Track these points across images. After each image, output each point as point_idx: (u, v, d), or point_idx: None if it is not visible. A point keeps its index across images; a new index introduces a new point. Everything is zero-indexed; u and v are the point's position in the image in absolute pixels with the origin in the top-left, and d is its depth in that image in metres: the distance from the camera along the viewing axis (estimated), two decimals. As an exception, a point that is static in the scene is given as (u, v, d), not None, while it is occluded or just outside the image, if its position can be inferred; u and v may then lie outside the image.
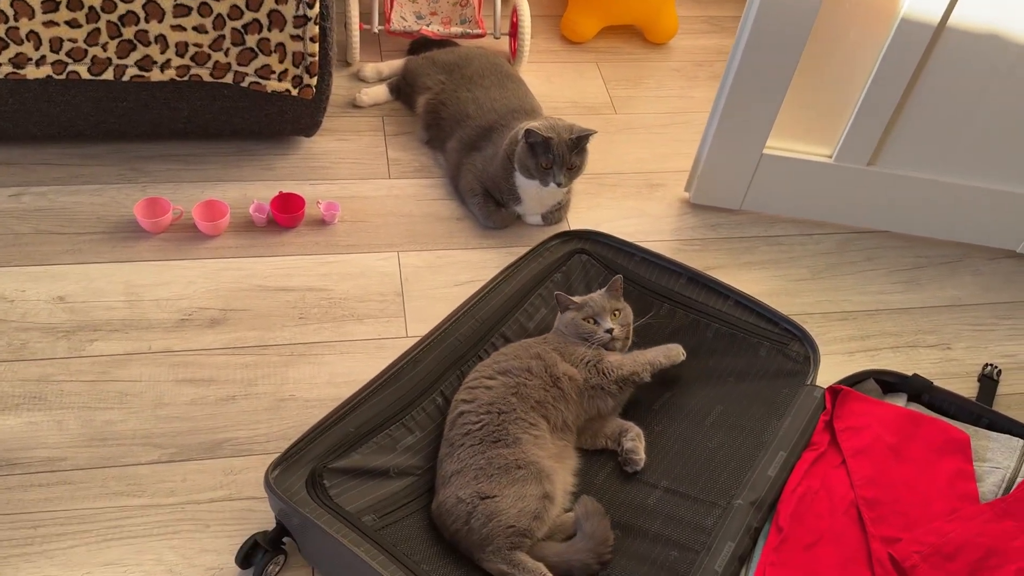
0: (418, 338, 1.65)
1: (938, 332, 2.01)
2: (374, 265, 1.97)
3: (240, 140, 2.19)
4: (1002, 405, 1.86)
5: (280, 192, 2.03)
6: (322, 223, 2.04)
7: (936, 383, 1.66)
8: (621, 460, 1.59)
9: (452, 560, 1.44)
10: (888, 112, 1.98)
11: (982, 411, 1.63)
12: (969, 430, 1.61)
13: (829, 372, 1.84)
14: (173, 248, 1.94)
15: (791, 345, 1.74)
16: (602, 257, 1.91)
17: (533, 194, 2.05)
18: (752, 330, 1.77)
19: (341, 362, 1.78)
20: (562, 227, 2.14)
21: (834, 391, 1.62)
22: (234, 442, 1.63)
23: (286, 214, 2.00)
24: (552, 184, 1.97)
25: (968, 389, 1.89)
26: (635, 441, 1.59)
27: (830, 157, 2.11)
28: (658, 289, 1.86)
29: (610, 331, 1.66)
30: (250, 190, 2.09)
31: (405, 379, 1.60)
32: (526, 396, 1.57)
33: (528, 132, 1.94)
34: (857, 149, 2.06)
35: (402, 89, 2.35)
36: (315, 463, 1.46)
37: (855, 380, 1.68)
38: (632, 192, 2.25)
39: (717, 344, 1.79)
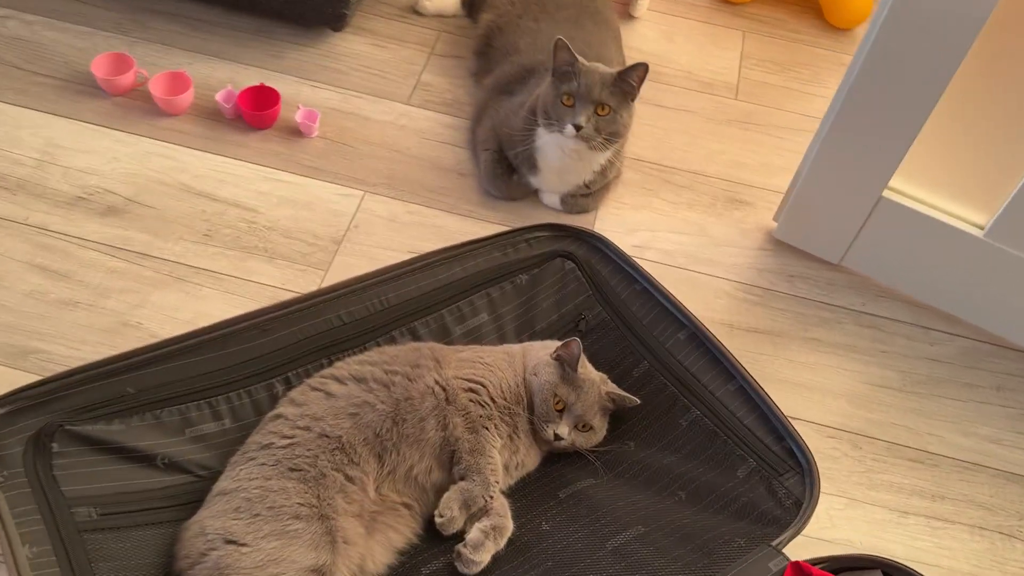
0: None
1: (1061, 528, 1.33)
2: (327, 199, 1.57)
3: (262, 18, 1.85)
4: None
5: (261, 84, 1.67)
6: (298, 133, 1.66)
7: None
8: (455, 552, 1.11)
9: (157, 607, 1.04)
10: (1083, 184, 1.29)
11: None
12: None
13: (851, 529, 1.25)
14: (119, 116, 1.65)
15: (786, 477, 1.16)
16: (592, 271, 1.39)
17: (553, 160, 1.55)
18: (743, 436, 1.21)
19: (219, 301, 1.41)
20: (586, 221, 1.62)
21: (800, 571, 1.03)
22: (46, 356, 1.31)
23: (254, 111, 1.63)
24: (569, 126, 1.45)
25: (1070, 631, 1.21)
26: (484, 535, 1.10)
27: (981, 229, 1.44)
28: (646, 338, 1.33)
29: (557, 437, 1.20)
30: (242, 75, 1.74)
31: (239, 347, 1.21)
32: (365, 423, 1.13)
33: (558, 44, 1.43)
34: (1022, 227, 1.38)
35: (475, 3, 1.90)
36: (54, 417, 1.10)
37: (852, 565, 1.08)
38: (704, 202, 1.69)
39: (689, 439, 1.24)
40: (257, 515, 1.05)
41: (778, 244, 1.62)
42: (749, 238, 1.63)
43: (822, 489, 1.18)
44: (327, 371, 1.21)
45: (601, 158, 1.54)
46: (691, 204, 1.68)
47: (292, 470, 1.09)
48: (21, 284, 1.39)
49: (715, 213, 1.66)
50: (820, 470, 1.20)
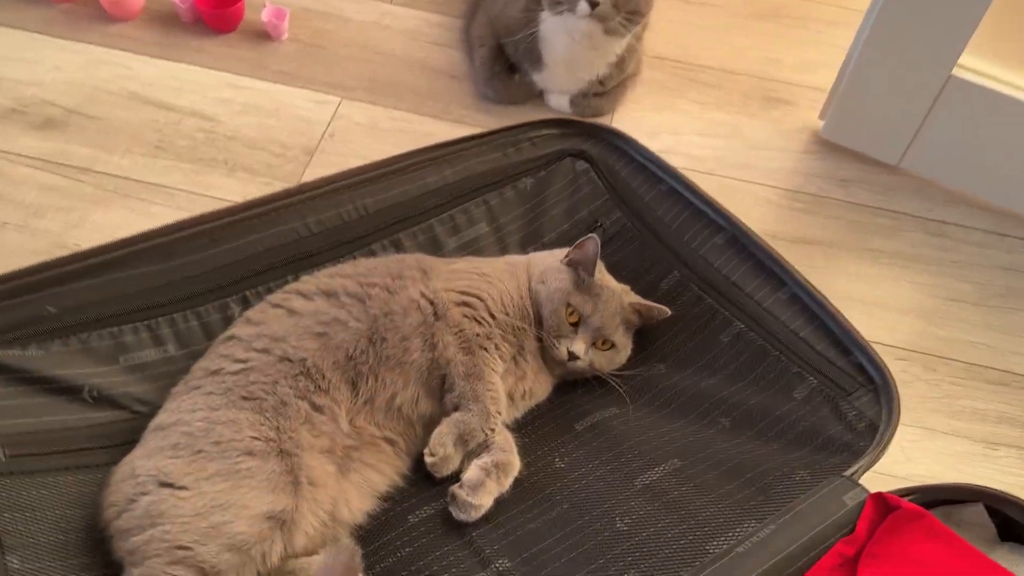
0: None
1: None
2: (299, 107, 1.36)
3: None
4: None
5: (221, -19, 1.45)
6: (265, 35, 1.45)
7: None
8: (449, 495, 0.90)
9: (77, 567, 0.83)
10: None
11: None
12: None
13: (929, 463, 1.05)
14: (64, 23, 1.44)
15: (855, 396, 0.94)
16: (609, 172, 1.18)
17: (561, 50, 1.33)
18: (799, 351, 0.99)
19: (170, 219, 1.18)
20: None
21: (883, 504, 0.82)
22: (-34, 285, 1.10)
23: (214, 10, 1.42)
24: (583, 3, 1.23)
25: None
26: (484, 474, 0.90)
27: (1074, 107, 1.21)
28: (676, 245, 1.11)
29: (572, 355, 0.97)
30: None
31: (185, 259, 1.00)
32: (336, 343, 0.92)
33: None
34: None
35: None
36: (-46, 342, 0.90)
37: (948, 497, 0.86)
38: (735, 101, 1.46)
39: (732, 357, 1.02)
40: (200, 452, 0.84)
41: (825, 145, 1.40)
42: (791, 140, 1.41)
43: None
44: (291, 286, 1.00)
45: (618, 46, 1.32)
46: (720, 104, 1.45)
47: (245, 399, 0.88)
48: (-59, 204, 1.19)
49: (749, 113, 1.44)
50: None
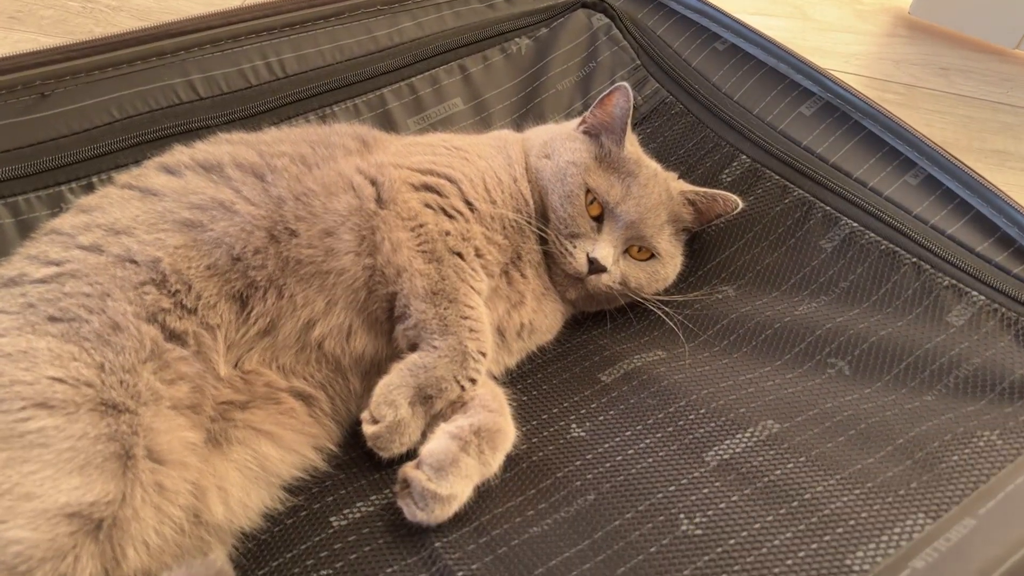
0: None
1: None
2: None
3: None
4: None
5: None
6: None
7: None
8: (398, 480, 0.53)
9: None
10: None
11: None
12: None
13: None
14: None
15: (1054, 319, 0.59)
16: (640, 29, 0.83)
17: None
18: (950, 256, 0.64)
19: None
20: None
21: None
22: None
23: None
24: None
25: None
26: (458, 445, 0.53)
27: None
28: (743, 120, 0.76)
29: (594, 264, 0.62)
30: None
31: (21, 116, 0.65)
32: (214, 237, 0.57)
33: None
34: None
35: None
36: None
37: None
38: (796, -21, 1.12)
39: (843, 269, 0.67)
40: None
41: (916, 27, 1.06)
42: (871, 21, 1.06)
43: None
44: (153, 160, 0.63)
45: None
46: (779, -20, 1.11)
47: (53, 320, 0.52)
48: None
49: (817, -8, 1.10)
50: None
